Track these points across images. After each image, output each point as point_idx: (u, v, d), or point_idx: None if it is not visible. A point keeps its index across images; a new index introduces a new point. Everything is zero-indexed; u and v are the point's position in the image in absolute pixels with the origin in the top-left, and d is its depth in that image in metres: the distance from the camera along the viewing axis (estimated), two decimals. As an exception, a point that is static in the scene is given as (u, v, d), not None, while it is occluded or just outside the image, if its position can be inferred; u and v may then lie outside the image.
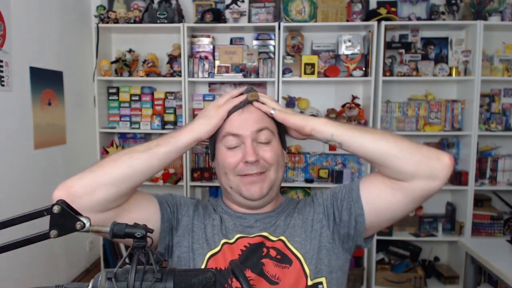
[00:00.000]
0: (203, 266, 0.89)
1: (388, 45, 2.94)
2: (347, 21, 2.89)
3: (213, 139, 0.94)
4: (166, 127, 3.09)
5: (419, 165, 0.81)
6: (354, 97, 3.08)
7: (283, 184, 3.00)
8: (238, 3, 2.94)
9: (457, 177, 2.90)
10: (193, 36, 3.10)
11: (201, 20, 2.93)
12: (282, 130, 0.96)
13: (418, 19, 2.92)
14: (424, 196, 0.85)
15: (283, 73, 2.90)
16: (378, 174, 0.89)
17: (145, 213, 0.87)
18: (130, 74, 3.03)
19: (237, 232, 0.92)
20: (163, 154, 0.83)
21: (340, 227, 0.92)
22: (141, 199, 0.88)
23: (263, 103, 0.92)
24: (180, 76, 2.95)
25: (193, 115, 3.12)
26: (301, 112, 3.04)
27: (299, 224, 0.94)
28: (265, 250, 0.90)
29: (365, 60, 2.93)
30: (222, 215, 0.97)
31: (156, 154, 0.82)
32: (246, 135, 0.88)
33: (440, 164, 0.82)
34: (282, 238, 0.91)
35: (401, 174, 0.82)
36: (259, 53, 3.04)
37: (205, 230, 0.93)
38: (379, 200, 0.87)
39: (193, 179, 3.05)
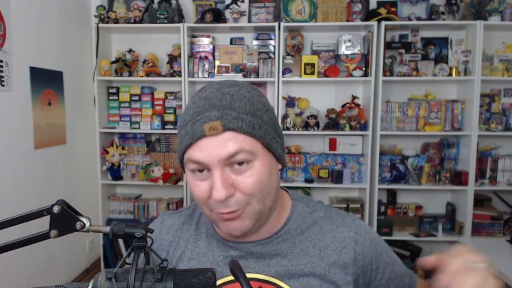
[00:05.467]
0: None
1: (388, 45, 2.94)
2: (347, 21, 2.89)
3: (180, 155, 0.68)
4: (166, 127, 3.09)
5: None
6: (354, 97, 3.08)
7: (283, 184, 3.00)
8: (238, 3, 2.94)
9: (457, 177, 2.90)
10: (193, 36, 3.10)
11: (201, 20, 2.93)
12: (275, 134, 0.69)
13: (418, 19, 2.92)
14: None
15: (283, 73, 2.90)
16: None
17: None
18: (130, 74, 3.04)
19: (226, 273, 0.73)
20: None
21: None
22: None
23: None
24: (180, 76, 2.95)
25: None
26: (301, 112, 3.04)
27: (311, 271, 0.71)
28: None
29: (365, 60, 2.93)
30: (208, 240, 0.77)
31: None
32: (213, 162, 0.62)
33: None
34: None
35: None
36: (259, 53, 3.04)
37: None
38: None
39: (193, 179, 3.05)
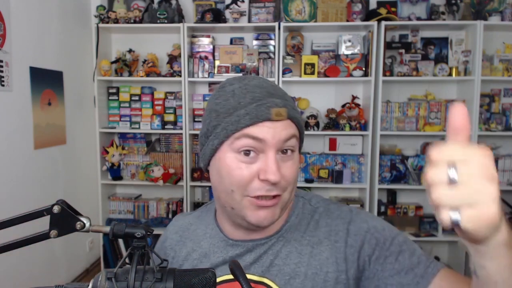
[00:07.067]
0: None
1: (388, 45, 2.94)
2: (347, 21, 2.89)
3: (212, 139, 0.68)
4: (166, 127, 3.09)
5: None
6: (354, 97, 3.08)
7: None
8: (238, 3, 2.94)
9: (457, 177, 2.89)
10: (193, 36, 3.10)
11: (201, 20, 2.93)
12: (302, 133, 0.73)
13: (418, 19, 2.92)
14: None
15: (283, 73, 2.90)
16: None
17: None
18: (130, 74, 3.04)
19: (224, 272, 0.72)
20: None
21: None
22: None
23: None
24: (180, 76, 2.95)
25: (193, 115, 3.12)
26: (301, 112, 3.04)
27: (303, 271, 0.68)
28: None
29: (365, 60, 2.93)
30: (211, 241, 0.77)
31: None
32: (272, 143, 0.64)
33: None
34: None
35: None
36: (259, 53, 3.04)
37: None
38: None
39: (193, 179, 3.05)
